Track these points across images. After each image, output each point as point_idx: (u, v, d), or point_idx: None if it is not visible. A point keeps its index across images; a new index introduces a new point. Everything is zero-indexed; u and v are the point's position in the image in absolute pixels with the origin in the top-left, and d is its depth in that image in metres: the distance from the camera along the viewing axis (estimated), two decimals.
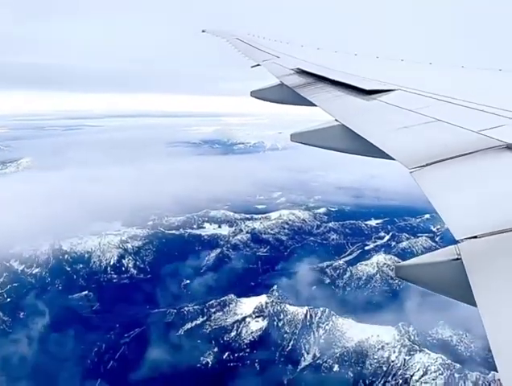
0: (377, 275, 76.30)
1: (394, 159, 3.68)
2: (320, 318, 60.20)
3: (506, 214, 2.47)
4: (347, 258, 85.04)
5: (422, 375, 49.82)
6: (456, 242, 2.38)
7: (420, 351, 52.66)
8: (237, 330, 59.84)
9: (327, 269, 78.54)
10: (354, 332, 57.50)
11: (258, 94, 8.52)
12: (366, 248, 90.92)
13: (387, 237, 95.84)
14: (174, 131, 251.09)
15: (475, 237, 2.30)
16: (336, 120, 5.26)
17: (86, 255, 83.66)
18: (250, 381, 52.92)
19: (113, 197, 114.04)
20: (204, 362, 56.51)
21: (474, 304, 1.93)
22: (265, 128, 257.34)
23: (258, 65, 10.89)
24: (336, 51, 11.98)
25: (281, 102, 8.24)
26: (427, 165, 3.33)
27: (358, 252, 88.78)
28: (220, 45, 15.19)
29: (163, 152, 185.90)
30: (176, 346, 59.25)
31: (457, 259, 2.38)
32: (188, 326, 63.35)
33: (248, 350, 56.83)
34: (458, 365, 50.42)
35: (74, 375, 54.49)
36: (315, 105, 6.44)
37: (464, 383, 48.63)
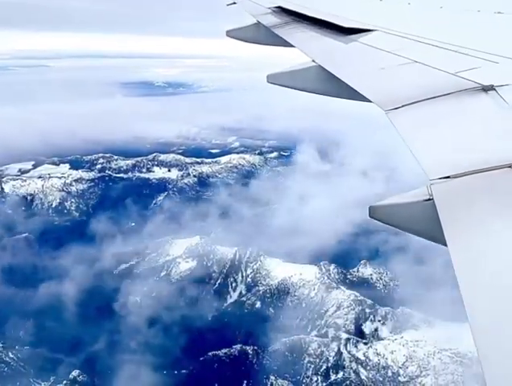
0: (320, 217, 78.08)
1: (370, 101, 3.63)
2: (248, 257, 62.01)
3: (479, 155, 2.49)
4: (291, 202, 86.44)
5: (335, 311, 52.41)
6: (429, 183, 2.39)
7: (337, 289, 55.16)
8: (167, 270, 61.40)
9: (268, 212, 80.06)
10: (280, 271, 59.60)
11: (234, 34, 8.14)
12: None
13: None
14: (138, 72, 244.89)
15: (447, 177, 2.32)
16: (314, 61, 5.13)
17: (29, 197, 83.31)
18: (175, 319, 54.89)
19: (62, 138, 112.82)
20: (133, 301, 58.13)
21: (445, 244, 1.94)
22: (236, 70, 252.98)
23: (234, 3, 10.54)
24: None
25: (257, 42, 8.00)
26: (402, 106, 3.31)
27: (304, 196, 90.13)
28: None
29: (122, 93, 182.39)
30: (108, 286, 60.60)
31: (429, 199, 2.40)
32: (122, 267, 64.61)
33: (175, 289, 58.57)
34: (370, 301, 53.18)
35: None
36: (293, 46, 6.27)
37: (374, 317, 51.47)
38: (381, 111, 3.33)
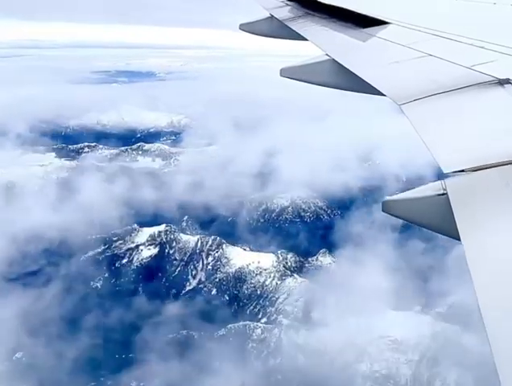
0: (290, 208, 78.33)
1: (384, 95, 3.61)
2: (210, 246, 62.61)
3: (494, 149, 2.47)
4: (267, 192, 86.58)
5: (285, 298, 52.96)
6: (442, 177, 2.44)
7: (291, 276, 55.64)
8: (128, 258, 62.26)
9: (243, 201, 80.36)
10: (239, 259, 60.15)
11: (247, 27, 8.17)
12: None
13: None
14: (138, 62, 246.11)
15: (462, 171, 2.30)
16: (327, 54, 5.12)
17: (8, 185, 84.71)
18: (132, 305, 55.80)
19: (50, 127, 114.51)
20: (93, 286, 59.16)
21: (459, 239, 1.94)
22: (240, 62, 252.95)
23: None
24: None
25: (271, 36, 8.02)
26: (416, 100, 3.28)
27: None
28: None
29: (119, 83, 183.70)
30: (71, 272, 61.63)
31: (443, 194, 2.43)
32: (90, 253, 65.55)
33: (134, 275, 59.49)
34: (321, 288, 53.58)
35: None
36: (306, 39, 6.27)
37: (323, 304, 51.85)
38: (395, 105, 3.30)
